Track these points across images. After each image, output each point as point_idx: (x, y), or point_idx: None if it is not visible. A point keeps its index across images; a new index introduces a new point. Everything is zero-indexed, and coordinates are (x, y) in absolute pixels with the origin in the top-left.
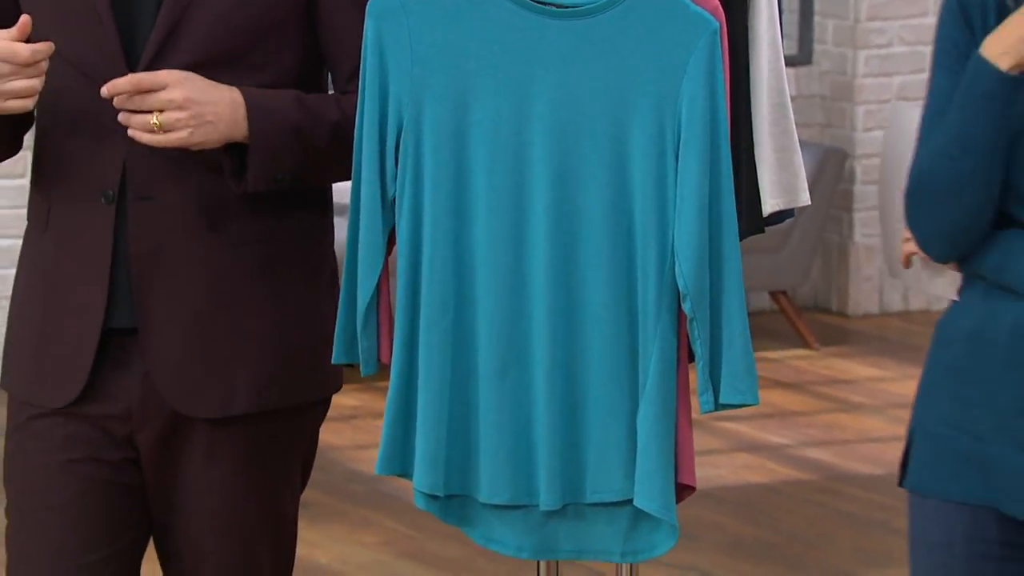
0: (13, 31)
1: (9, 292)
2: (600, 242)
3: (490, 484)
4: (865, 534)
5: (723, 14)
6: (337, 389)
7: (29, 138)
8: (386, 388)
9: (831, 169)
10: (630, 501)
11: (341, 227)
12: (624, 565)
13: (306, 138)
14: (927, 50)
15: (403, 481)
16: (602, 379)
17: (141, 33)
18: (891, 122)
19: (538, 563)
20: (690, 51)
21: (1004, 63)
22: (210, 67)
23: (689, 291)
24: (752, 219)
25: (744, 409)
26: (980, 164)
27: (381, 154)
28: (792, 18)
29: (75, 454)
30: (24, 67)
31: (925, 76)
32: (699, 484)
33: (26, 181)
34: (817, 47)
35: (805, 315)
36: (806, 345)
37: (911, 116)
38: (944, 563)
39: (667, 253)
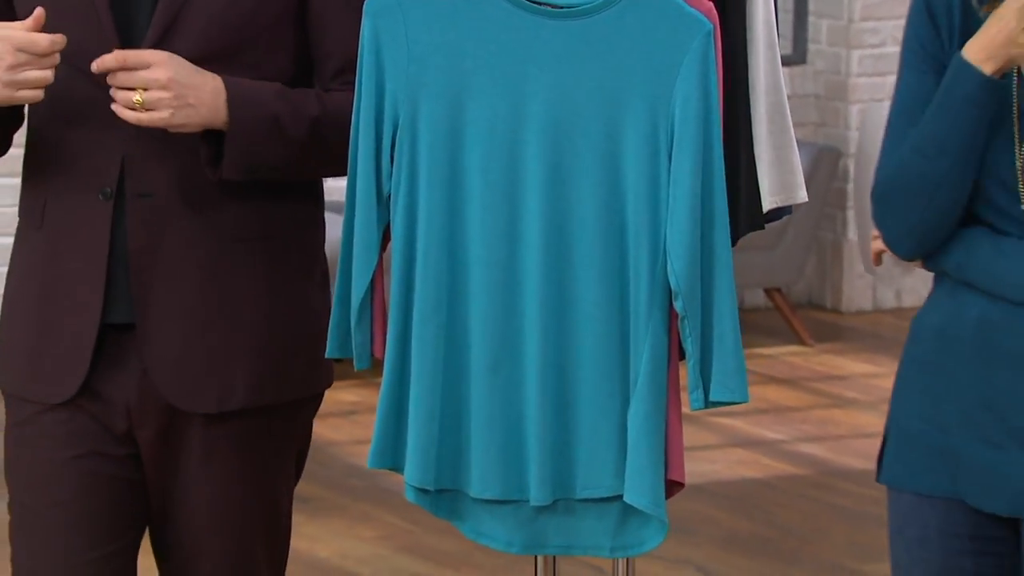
0: (28, 22)
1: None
2: (593, 240)
3: (481, 479)
4: (859, 528)
5: (717, 16)
6: (329, 384)
7: (19, 136)
8: None
9: (825, 167)
10: (620, 497)
11: (339, 224)
12: (621, 560)
13: (285, 130)
14: None
15: (402, 476)
16: (593, 376)
17: (138, 31)
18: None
19: (535, 557)
20: (684, 52)
21: (988, 67)
22: (204, 65)
23: (681, 289)
24: (752, 216)
25: (739, 405)
26: (956, 165)
27: (377, 151)
28: (787, 18)
29: (79, 450)
30: (41, 57)
31: None
32: (695, 479)
33: None
34: (811, 47)
35: (799, 312)
36: (800, 341)
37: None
38: (921, 558)
39: (659, 252)
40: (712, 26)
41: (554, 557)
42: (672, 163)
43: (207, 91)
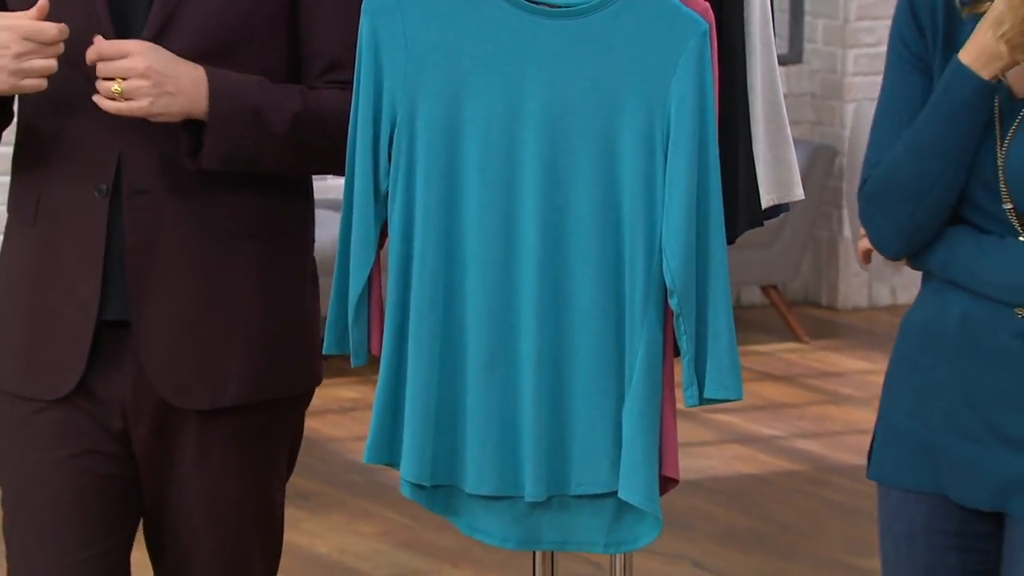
0: (32, 12)
1: None
2: (589, 238)
3: (476, 475)
4: (854, 523)
5: (713, 16)
6: (319, 382)
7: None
8: None
9: (821, 166)
10: (614, 493)
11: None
12: (618, 556)
13: (266, 122)
14: None
15: (399, 472)
16: (589, 373)
17: (135, 29)
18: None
19: (533, 553)
20: (680, 52)
21: (987, 73)
22: (200, 63)
23: (676, 287)
24: (751, 213)
25: (735, 402)
26: (950, 166)
27: (375, 149)
28: (783, 18)
29: (74, 448)
30: (46, 46)
31: None
32: (692, 475)
33: None
34: (807, 46)
35: (795, 309)
36: (796, 338)
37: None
38: (908, 554)
39: (655, 250)
40: (708, 26)
41: (552, 552)
42: (668, 162)
43: (187, 80)
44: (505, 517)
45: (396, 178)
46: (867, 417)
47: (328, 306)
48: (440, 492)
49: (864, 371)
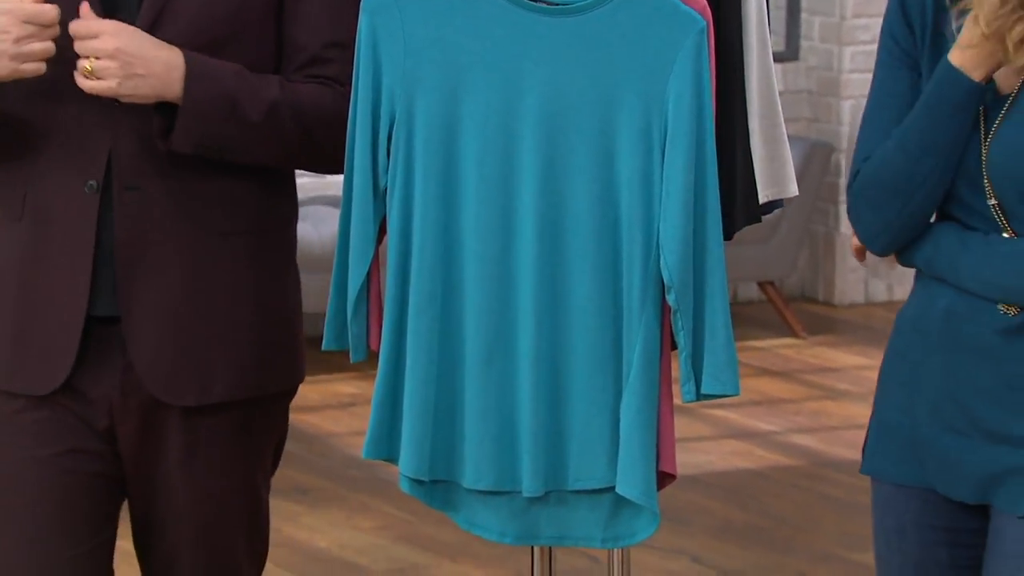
0: None
1: None
2: (586, 234)
3: (474, 470)
4: (850, 518)
5: (710, 13)
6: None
7: None
8: None
9: (817, 162)
10: (612, 488)
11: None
12: (616, 550)
13: (240, 110)
14: None
15: (398, 467)
16: (586, 368)
17: (126, 23)
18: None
19: (531, 547)
20: (677, 49)
21: (977, 74)
22: None
23: (673, 283)
24: (749, 209)
25: (733, 397)
26: (939, 165)
27: (373, 145)
28: (779, 15)
29: (58, 447)
30: (44, 28)
31: None
32: (690, 470)
33: None
34: (804, 43)
35: (792, 305)
36: (793, 334)
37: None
38: (900, 549)
39: (652, 246)
40: (705, 23)
41: (550, 547)
42: (665, 159)
43: (158, 63)
44: (503, 512)
45: (395, 174)
46: (863, 412)
47: (328, 302)
48: (438, 487)
49: (860, 366)
